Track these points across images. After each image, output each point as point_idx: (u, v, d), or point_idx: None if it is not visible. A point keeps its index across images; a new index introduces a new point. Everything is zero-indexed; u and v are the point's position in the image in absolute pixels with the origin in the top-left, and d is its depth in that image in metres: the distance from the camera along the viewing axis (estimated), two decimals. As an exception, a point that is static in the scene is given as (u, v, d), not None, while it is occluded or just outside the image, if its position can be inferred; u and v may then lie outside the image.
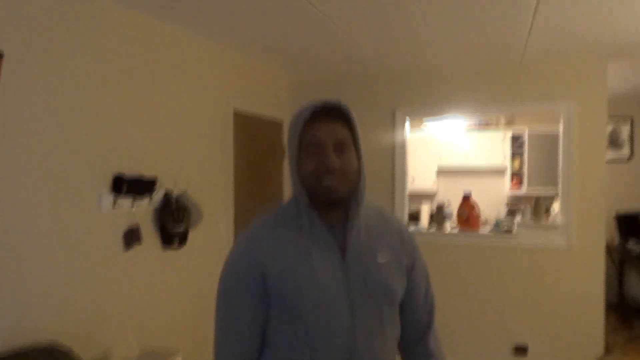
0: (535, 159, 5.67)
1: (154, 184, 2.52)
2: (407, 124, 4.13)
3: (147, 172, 2.57)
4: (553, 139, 5.60)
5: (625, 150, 5.48)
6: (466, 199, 3.94)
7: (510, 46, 3.23)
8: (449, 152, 6.24)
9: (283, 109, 4.17)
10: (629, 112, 5.42)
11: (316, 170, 1.07)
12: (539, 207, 4.01)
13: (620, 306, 5.00)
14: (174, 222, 2.63)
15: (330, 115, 1.09)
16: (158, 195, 2.62)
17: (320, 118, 1.08)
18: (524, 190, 5.88)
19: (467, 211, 3.85)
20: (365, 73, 4.06)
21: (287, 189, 4.20)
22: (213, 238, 3.20)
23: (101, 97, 2.34)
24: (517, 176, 6.04)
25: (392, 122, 4.07)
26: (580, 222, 3.61)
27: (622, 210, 5.19)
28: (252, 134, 3.73)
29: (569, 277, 3.64)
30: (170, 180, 2.75)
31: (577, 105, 3.59)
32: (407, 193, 4.14)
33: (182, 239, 2.77)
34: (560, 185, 3.73)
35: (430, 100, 3.99)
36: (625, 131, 5.50)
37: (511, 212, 5.56)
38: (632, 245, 5.02)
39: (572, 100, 3.60)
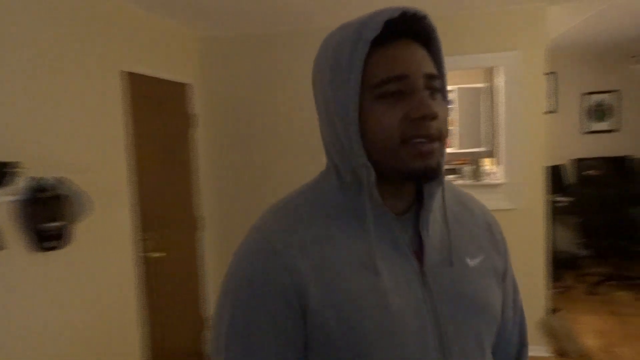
0: (465, 116, 5.45)
1: (9, 169, 1.83)
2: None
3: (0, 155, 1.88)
4: (479, 95, 5.41)
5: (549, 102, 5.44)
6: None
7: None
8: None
9: (192, 71, 3.50)
10: (553, 68, 5.33)
11: (404, 122, 0.65)
12: (479, 167, 3.75)
13: (551, 260, 5.03)
14: (45, 216, 1.97)
15: (405, 35, 0.69)
16: (21, 183, 1.94)
17: (391, 38, 0.68)
18: (454, 149, 5.68)
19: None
20: (295, 29, 3.48)
21: (204, 162, 3.59)
22: (110, 231, 2.55)
23: None
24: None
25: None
26: (522, 180, 3.40)
27: (546, 164, 5.16)
28: (155, 101, 3.05)
29: (511, 238, 3.43)
30: (40, 164, 2.07)
31: (518, 55, 3.32)
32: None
33: (61, 236, 2.12)
34: (500, 143, 3.47)
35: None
36: (551, 86, 5.45)
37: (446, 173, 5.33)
38: (557, 198, 5.03)
39: (514, 50, 3.32)
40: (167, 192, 3.15)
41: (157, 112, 3.07)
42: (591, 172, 5.07)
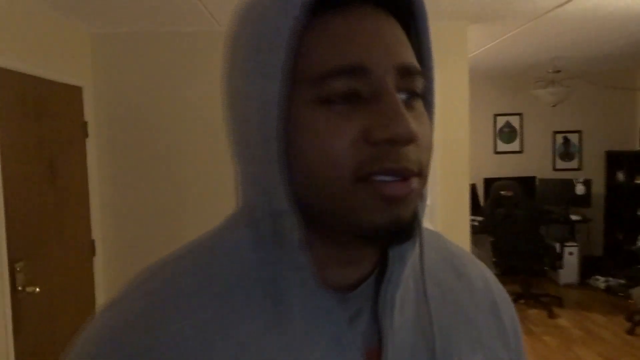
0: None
1: None
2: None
3: None
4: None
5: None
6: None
7: None
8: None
9: (84, 72, 3.03)
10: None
11: (362, 147, 0.39)
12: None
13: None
14: None
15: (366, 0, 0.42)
16: None
17: (343, 3, 0.41)
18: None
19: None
20: (203, 29, 3.13)
21: (96, 177, 3.09)
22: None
23: None
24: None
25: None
26: (445, 201, 3.31)
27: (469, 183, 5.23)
28: (36, 105, 2.55)
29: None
30: None
31: (439, 73, 3.24)
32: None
33: None
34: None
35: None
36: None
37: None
38: (472, 217, 5.09)
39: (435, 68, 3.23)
40: (50, 213, 2.64)
41: (39, 118, 2.57)
42: (502, 192, 5.20)
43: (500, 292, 0.57)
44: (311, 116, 0.39)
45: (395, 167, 0.38)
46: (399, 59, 0.40)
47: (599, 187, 5.72)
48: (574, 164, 5.84)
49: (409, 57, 0.41)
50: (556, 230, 5.48)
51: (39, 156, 2.56)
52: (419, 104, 0.42)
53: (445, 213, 3.32)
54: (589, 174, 5.73)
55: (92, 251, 3.03)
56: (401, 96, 0.40)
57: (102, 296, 3.12)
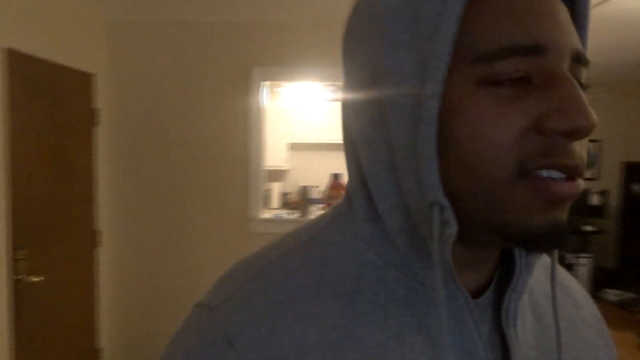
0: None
1: None
2: (266, 87, 3.33)
3: None
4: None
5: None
6: (336, 179, 3.29)
7: None
8: (302, 124, 5.59)
9: (96, 58, 3.00)
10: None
11: (521, 139, 0.33)
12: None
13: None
14: None
15: None
16: None
17: None
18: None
19: (337, 195, 3.21)
20: (220, 19, 3.09)
21: (105, 166, 3.07)
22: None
23: None
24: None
25: (247, 82, 3.19)
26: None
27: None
28: (46, 90, 2.52)
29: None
30: None
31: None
32: (262, 170, 3.33)
33: None
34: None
35: (290, 60, 3.20)
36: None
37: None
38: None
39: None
40: (56, 202, 2.61)
41: (50, 104, 2.54)
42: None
43: (595, 306, 0.54)
44: (473, 100, 0.34)
45: (568, 164, 0.34)
46: (574, 43, 0.35)
47: (614, 198, 5.60)
48: (590, 173, 5.73)
49: (580, 44, 0.36)
50: (568, 241, 5.37)
51: (48, 142, 2.53)
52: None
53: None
54: (605, 185, 5.62)
55: (97, 242, 3.00)
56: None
57: (106, 288, 3.09)
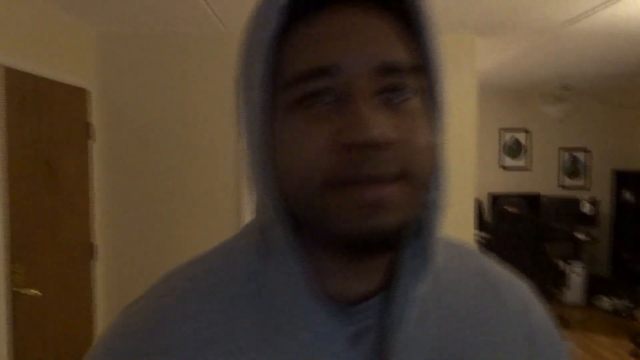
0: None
1: None
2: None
3: None
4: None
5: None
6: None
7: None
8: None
9: (88, 73, 3.02)
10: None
11: (327, 152, 0.37)
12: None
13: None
14: None
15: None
16: None
17: (332, 3, 0.39)
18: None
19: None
20: (216, 32, 3.12)
21: (99, 180, 3.08)
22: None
23: None
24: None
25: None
26: (449, 216, 3.26)
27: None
28: (40, 106, 2.54)
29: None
30: None
31: (447, 85, 3.22)
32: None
33: None
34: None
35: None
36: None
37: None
38: (476, 233, 5.04)
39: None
40: (52, 215, 2.61)
41: (42, 119, 2.56)
42: (507, 207, 5.15)
43: (541, 317, 0.53)
44: (286, 121, 0.38)
45: (368, 173, 0.36)
46: (381, 56, 0.37)
47: (605, 206, 5.66)
48: (580, 182, 5.79)
49: (395, 54, 0.38)
50: (561, 249, 5.41)
51: (43, 156, 2.54)
52: (411, 103, 0.39)
53: (450, 228, 3.26)
54: (596, 193, 5.68)
55: (92, 255, 3.00)
56: (374, 99, 0.37)
57: (101, 301, 3.08)
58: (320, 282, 0.42)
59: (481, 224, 5.23)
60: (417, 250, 0.44)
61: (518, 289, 0.54)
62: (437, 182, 0.42)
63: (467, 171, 3.28)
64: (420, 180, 0.39)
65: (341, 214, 0.37)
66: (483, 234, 5.12)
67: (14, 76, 2.32)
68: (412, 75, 0.39)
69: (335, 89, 0.37)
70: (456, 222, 3.27)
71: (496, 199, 5.42)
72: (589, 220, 5.42)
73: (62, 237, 2.72)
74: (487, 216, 5.48)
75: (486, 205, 5.58)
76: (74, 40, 2.87)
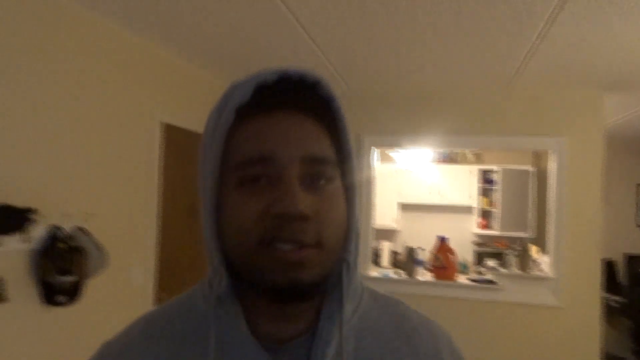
0: (508, 198, 5.22)
1: (26, 216, 1.74)
2: (375, 153, 3.56)
3: (17, 200, 1.79)
4: (525, 177, 5.20)
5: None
6: (443, 243, 3.35)
7: (500, 75, 2.80)
8: (411, 186, 5.71)
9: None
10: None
11: (260, 220, 0.49)
12: (526, 255, 3.47)
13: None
14: (57, 269, 1.85)
15: (291, 104, 0.53)
16: (36, 232, 1.84)
17: (270, 108, 0.53)
18: (494, 230, 5.41)
19: (443, 258, 3.26)
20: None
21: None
22: (124, 289, 2.41)
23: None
24: (485, 215, 5.58)
25: (357, 149, 3.45)
26: (572, 274, 3.10)
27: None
28: (187, 155, 3.00)
29: (555, 340, 3.12)
30: (59, 212, 1.98)
31: (571, 141, 3.14)
32: (371, 231, 3.51)
33: (72, 292, 1.99)
34: (550, 234, 3.22)
35: (400, 128, 3.41)
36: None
37: (480, 255, 5.05)
38: (608, 296, 4.61)
39: (566, 135, 3.15)
40: (192, 249, 3.02)
41: (188, 167, 3.00)
42: (645, 270, 4.66)
43: (451, 353, 0.60)
44: (232, 195, 0.50)
45: (289, 238, 0.47)
46: (306, 150, 0.50)
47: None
48: None
49: (317, 149, 0.51)
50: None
51: (186, 200, 2.97)
52: (331, 187, 0.51)
53: (574, 287, 3.10)
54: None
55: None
56: (297, 182, 0.49)
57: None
58: (256, 323, 0.53)
59: (614, 287, 4.79)
60: (334, 299, 0.54)
61: (435, 337, 0.61)
62: (350, 247, 0.54)
63: (592, 229, 3.11)
64: (332, 247, 0.50)
65: (269, 268, 0.48)
66: (616, 297, 4.68)
67: (171, 131, 2.79)
68: (330, 165, 0.52)
69: (270, 173, 0.49)
70: (578, 283, 3.10)
71: (632, 260, 4.94)
72: None
73: (201, 270, 3.11)
74: (622, 278, 5.00)
75: (620, 267, 5.10)
76: (213, 94, 3.33)
